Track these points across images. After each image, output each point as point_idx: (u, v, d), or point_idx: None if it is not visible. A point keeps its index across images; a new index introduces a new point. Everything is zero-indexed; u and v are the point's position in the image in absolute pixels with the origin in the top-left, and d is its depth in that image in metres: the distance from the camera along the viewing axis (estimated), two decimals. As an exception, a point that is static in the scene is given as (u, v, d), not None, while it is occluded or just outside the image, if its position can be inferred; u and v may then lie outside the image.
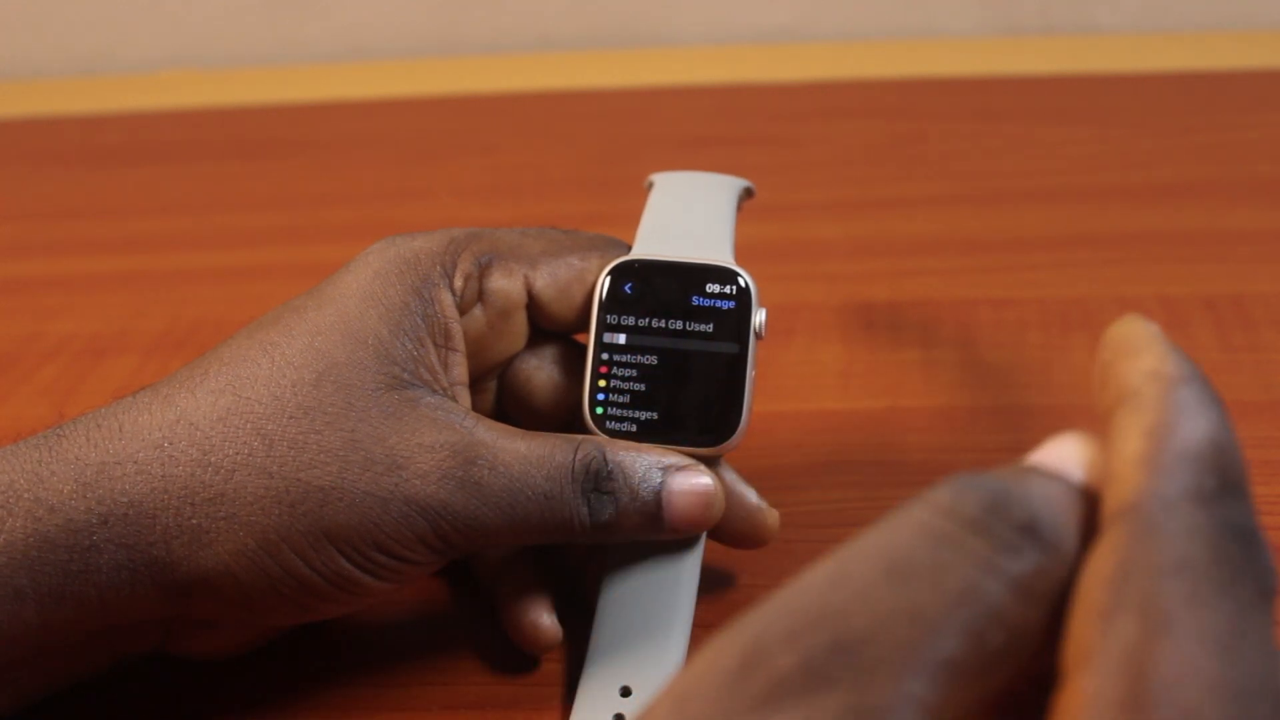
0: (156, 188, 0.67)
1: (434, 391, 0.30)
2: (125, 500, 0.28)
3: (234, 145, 0.72)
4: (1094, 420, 0.40)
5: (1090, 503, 0.18)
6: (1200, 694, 0.15)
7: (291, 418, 0.28)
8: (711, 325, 0.32)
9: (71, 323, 0.53)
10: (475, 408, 0.32)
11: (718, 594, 0.35)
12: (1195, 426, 0.18)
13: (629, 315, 0.32)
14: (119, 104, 0.79)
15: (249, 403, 0.28)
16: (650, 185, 0.36)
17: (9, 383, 0.49)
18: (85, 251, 0.60)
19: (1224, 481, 0.17)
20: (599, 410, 0.32)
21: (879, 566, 0.17)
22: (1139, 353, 0.19)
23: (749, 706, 0.16)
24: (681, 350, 0.32)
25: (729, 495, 0.32)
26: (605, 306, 0.32)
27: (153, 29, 0.85)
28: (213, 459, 0.28)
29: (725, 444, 0.31)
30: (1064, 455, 0.19)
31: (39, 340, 0.52)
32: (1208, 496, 0.17)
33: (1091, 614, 0.17)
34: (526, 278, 0.32)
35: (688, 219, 0.34)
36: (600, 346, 0.32)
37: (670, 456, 0.31)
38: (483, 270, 0.32)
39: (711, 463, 0.32)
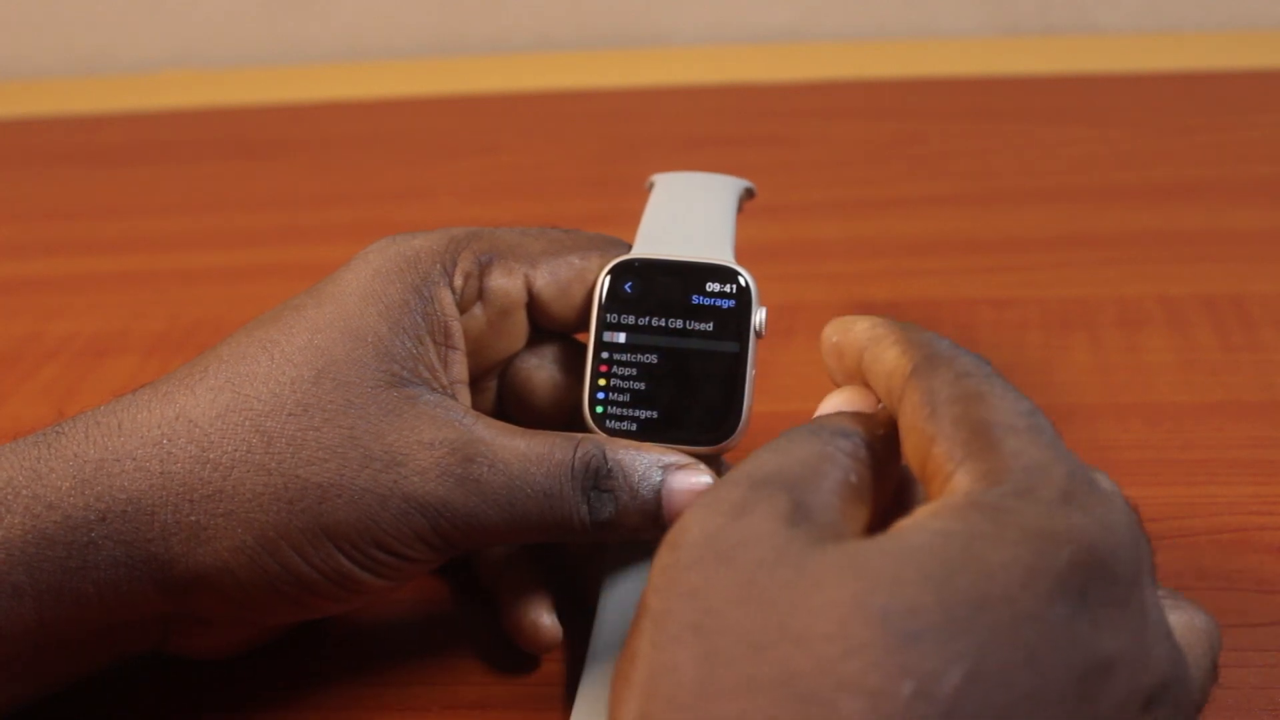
0: (156, 188, 0.67)
1: (433, 389, 0.30)
2: (124, 497, 0.27)
3: (234, 145, 0.72)
4: (1094, 418, 0.40)
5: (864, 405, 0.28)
6: (1016, 418, 0.24)
7: (290, 415, 0.28)
8: (711, 324, 0.32)
9: (71, 323, 0.53)
10: (475, 407, 0.32)
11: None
12: (914, 328, 0.27)
13: (629, 314, 0.32)
14: (119, 104, 0.79)
15: (248, 400, 0.28)
16: (651, 185, 0.36)
17: (9, 383, 0.49)
18: (85, 251, 0.60)
19: (952, 343, 0.26)
20: (599, 409, 0.32)
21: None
22: (850, 326, 0.28)
23: None
24: (681, 349, 0.32)
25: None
26: (605, 305, 0.32)
27: (153, 29, 0.86)
28: (211, 456, 0.28)
29: (725, 443, 0.31)
30: (833, 401, 0.29)
31: (39, 340, 0.52)
32: (947, 345, 0.26)
33: (919, 421, 0.24)
34: (527, 277, 0.32)
35: (688, 219, 0.34)
36: (600, 345, 0.32)
37: (670, 455, 0.31)
38: (483, 269, 0.32)
39: (712, 461, 0.31)
